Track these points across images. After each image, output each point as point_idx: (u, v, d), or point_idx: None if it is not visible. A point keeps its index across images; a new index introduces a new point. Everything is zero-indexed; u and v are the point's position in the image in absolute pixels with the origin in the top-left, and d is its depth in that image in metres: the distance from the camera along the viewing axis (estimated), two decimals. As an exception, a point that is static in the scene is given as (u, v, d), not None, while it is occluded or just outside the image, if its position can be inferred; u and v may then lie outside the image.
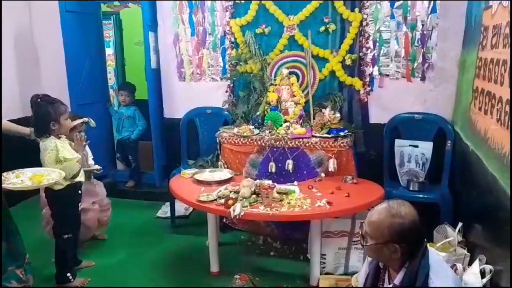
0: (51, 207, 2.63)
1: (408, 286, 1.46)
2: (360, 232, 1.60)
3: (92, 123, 3.04)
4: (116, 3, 5.55)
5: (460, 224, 2.43)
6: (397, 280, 1.52)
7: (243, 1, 3.48)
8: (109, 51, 5.75)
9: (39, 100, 2.49)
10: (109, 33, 5.96)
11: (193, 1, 3.65)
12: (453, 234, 2.42)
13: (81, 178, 2.62)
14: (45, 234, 2.95)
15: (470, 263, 2.15)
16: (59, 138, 2.53)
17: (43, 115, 2.47)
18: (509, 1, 1.87)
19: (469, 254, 2.26)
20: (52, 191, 2.52)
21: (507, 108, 1.76)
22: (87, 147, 3.06)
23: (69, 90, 3.91)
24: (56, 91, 4.11)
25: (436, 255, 1.57)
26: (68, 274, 2.64)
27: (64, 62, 3.88)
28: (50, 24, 3.95)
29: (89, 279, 2.73)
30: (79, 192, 2.68)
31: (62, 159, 2.46)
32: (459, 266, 2.01)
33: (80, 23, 3.98)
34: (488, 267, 1.88)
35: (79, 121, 2.92)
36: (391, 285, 1.56)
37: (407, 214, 1.47)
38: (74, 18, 3.91)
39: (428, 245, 2.08)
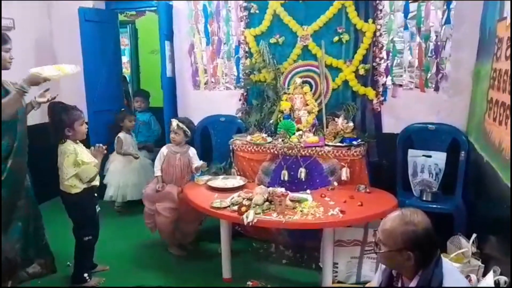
0: (69, 210, 2.70)
1: None
2: (374, 240, 1.61)
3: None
4: (133, 12, 5.67)
5: (474, 235, 2.41)
6: None
7: (257, 11, 3.54)
8: (124, 59, 5.88)
9: (54, 107, 2.61)
10: (124, 42, 6.10)
11: (208, 11, 3.72)
12: (467, 245, 2.40)
13: (96, 182, 2.69)
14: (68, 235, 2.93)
15: (484, 275, 2.14)
16: (76, 143, 2.62)
17: (58, 121, 2.58)
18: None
19: (483, 265, 2.24)
20: (70, 195, 2.60)
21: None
22: (192, 149, 3.21)
23: (86, 97, 4.00)
24: (74, 98, 4.20)
25: (449, 264, 1.57)
26: (85, 275, 2.72)
27: (82, 70, 3.97)
28: (70, 32, 4.05)
29: (103, 279, 2.79)
30: (95, 195, 2.76)
31: (80, 162, 2.54)
32: (473, 277, 2.00)
33: (98, 32, 4.08)
34: (502, 278, 1.87)
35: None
36: None
37: (420, 221, 1.48)
38: (93, 27, 4.01)
39: (442, 254, 2.07)
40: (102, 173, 3.90)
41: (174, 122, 3.14)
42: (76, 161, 2.55)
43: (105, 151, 2.76)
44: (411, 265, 1.50)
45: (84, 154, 2.60)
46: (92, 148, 2.73)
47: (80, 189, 2.61)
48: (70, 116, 2.59)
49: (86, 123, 2.74)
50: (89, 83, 4.01)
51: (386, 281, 1.66)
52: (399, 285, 1.62)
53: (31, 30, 4.12)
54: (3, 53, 2.55)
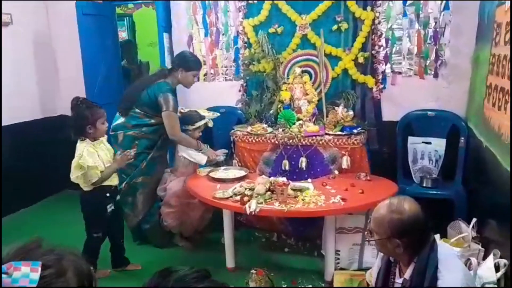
0: (81, 206, 2.72)
1: (418, 279, 1.49)
2: (368, 228, 1.65)
3: (211, 123, 3.33)
4: (130, 5, 5.65)
5: (474, 220, 2.44)
6: (407, 275, 1.56)
7: (256, 1, 3.52)
8: (123, 52, 5.87)
9: (79, 103, 2.59)
10: (122, 35, 6.08)
11: (206, 2, 3.70)
12: (467, 230, 2.43)
13: (110, 182, 2.69)
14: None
15: (484, 258, 2.17)
16: (94, 140, 2.61)
17: (81, 118, 2.55)
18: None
19: (483, 249, 2.27)
20: (82, 192, 2.63)
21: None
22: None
23: (86, 91, 4.00)
24: (73, 92, 4.20)
25: (445, 248, 1.58)
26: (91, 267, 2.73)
27: (81, 64, 3.97)
28: (68, 27, 4.04)
29: (109, 271, 2.87)
30: (107, 195, 2.72)
31: (85, 167, 2.52)
32: (474, 260, 2.03)
33: (96, 25, 4.06)
34: (502, 261, 1.90)
35: (202, 122, 3.24)
36: (401, 279, 1.59)
37: (406, 210, 1.50)
38: (91, 21, 3.99)
39: (442, 239, 2.10)
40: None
41: (202, 122, 3.24)
42: (79, 164, 2.52)
43: (131, 160, 2.76)
44: (402, 252, 1.53)
45: (91, 158, 2.55)
46: (118, 153, 2.73)
47: (90, 188, 2.62)
48: (94, 113, 2.57)
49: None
50: (88, 77, 4.01)
51: (384, 267, 1.70)
52: (397, 271, 1.65)
53: (29, 25, 4.11)
54: (191, 77, 3.13)
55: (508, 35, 2.07)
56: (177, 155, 3.21)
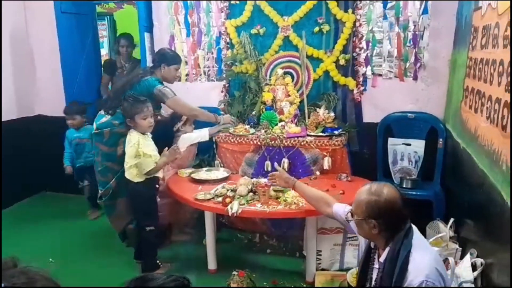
0: (131, 199, 2.77)
1: (391, 262, 1.56)
2: (350, 210, 1.75)
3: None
4: (111, 4, 5.56)
5: (451, 220, 2.49)
6: (382, 258, 1.64)
7: (238, 2, 3.52)
8: (103, 52, 5.78)
9: (129, 98, 2.76)
10: (102, 34, 5.99)
11: (188, 2, 3.68)
12: (445, 230, 2.48)
13: (159, 174, 2.79)
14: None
15: (461, 257, 2.21)
16: (143, 134, 2.71)
17: (123, 111, 2.77)
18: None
19: (460, 248, 2.32)
20: (132, 183, 2.69)
21: (496, 107, 1.82)
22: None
23: (65, 91, 3.92)
24: (51, 92, 4.15)
25: (421, 238, 1.66)
26: (158, 261, 2.82)
27: (60, 63, 3.89)
28: (46, 25, 3.96)
29: (169, 264, 2.90)
30: (157, 186, 2.82)
31: (141, 154, 2.63)
32: (451, 260, 2.07)
33: (76, 23, 4.00)
34: (479, 260, 1.94)
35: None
36: (377, 264, 1.68)
37: (384, 193, 1.60)
38: (70, 19, 3.92)
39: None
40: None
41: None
42: (138, 152, 2.63)
43: (180, 155, 2.88)
44: (377, 234, 1.62)
45: (147, 147, 2.68)
46: (167, 148, 2.80)
47: (142, 179, 2.68)
48: (132, 108, 2.68)
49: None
50: (68, 76, 3.93)
51: (365, 254, 1.78)
52: (376, 256, 1.72)
53: (6, 23, 4.00)
54: (173, 71, 3.16)
55: (485, 39, 2.12)
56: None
